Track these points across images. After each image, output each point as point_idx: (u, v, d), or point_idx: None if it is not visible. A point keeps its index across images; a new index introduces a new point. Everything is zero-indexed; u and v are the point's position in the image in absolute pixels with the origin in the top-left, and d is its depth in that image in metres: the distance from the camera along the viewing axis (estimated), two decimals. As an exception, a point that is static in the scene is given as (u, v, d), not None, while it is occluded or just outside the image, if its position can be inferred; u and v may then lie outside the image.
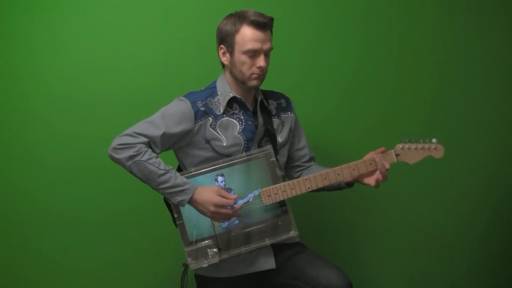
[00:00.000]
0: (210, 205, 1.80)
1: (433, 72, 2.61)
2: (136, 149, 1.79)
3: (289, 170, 2.14)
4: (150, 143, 1.84)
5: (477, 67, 2.64)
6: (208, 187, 1.83)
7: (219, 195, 1.81)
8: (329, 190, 2.04)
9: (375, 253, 2.64)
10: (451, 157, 1.93)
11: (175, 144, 1.91)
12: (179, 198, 1.81)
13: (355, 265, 2.60)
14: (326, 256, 1.98)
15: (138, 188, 2.19)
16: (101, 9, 2.39)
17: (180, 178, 1.81)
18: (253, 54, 1.85)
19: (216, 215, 1.82)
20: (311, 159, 2.15)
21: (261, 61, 1.85)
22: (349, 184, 1.97)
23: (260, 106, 1.98)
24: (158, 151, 1.86)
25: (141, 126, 1.84)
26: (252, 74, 1.87)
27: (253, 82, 1.89)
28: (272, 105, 2.04)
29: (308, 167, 2.12)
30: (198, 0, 2.45)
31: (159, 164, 1.80)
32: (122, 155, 1.79)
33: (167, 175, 1.79)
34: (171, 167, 1.83)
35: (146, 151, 1.80)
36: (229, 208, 1.82)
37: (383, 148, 1.91)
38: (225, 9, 2.03)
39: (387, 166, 1.87)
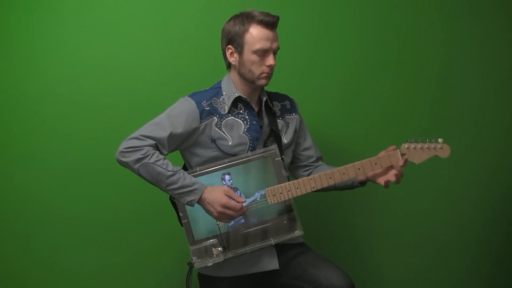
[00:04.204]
0: (217, 205, 1.80)
1: (434, 71, 2.62)
2: (143, 151, 1.79)
3: (297, 170, 2.14)
4: (157, 145, 1.84)
5: (477, 66, 2.65)
6: (217, 187, 1.83)
7: (227, 195, 1.81)
8: (342, 189, 2.05)
9: (377, 253, 2.64)
10: (452, 157, 1.93)
11: (182, 144, 1.91)
12: (188, 198, 1.81)
13: (358, 265, 2.60)
14: (329, 256, 1.98)
15: (140, 188, 2.19)
16: (102, 9, 2.38)
17: (188, 178, 1.81)
18: (262, 53, 1.85)
19: (221, 215, 1.82)
20: (319, 159, 2.15)
21: (271, 60, 1.86)
22: (362, 183, 1.97)
23: (265, 106, 1.98)
24: (165, 153, 1.86)
25: (148, 129, 1.84)
26: (262, 73, 1.88)
27: (262, 81, 1.90)
28: (277, 106, 2.04)
29: (316, 167, 2.12)
30: (199, 0, 2.44)
31: (167, 165, 1.80)
32: (130, 158, 1.79)
33: (176, 176, 1.79)
34: (179, 168, 1.83)
35: (153, 153, 1.80)
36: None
37: (393, 146, 1.90)
38: (226, 9, 2.04)
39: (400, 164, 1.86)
